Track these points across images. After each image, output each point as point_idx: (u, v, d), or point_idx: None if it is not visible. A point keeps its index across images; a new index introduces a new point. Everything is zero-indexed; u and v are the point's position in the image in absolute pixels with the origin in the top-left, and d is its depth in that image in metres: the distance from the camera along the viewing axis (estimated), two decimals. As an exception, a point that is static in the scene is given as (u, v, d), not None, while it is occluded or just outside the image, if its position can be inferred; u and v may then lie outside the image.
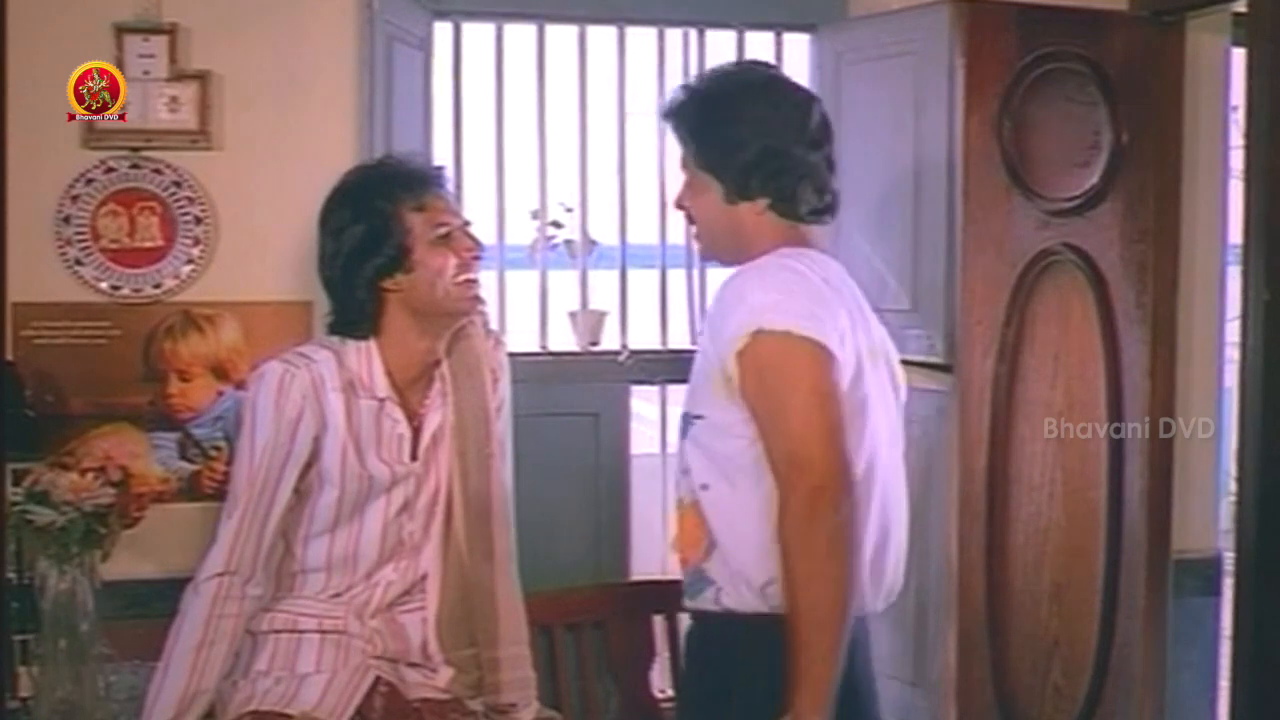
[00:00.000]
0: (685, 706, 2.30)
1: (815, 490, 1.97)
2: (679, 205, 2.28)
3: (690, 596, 2.18)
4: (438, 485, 2.38)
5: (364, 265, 2.29)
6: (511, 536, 2.50)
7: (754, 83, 2.21)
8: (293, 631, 2.36)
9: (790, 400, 2.01)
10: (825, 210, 2.19)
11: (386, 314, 2.32)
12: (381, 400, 2.32)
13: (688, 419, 2.17)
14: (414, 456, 2.35)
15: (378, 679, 2.35)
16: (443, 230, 2.32)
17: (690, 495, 2.15)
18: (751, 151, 2.13)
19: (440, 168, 2.46)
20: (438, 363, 2.38)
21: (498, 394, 2.47)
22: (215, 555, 2.26)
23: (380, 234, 2.29)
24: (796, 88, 2.27)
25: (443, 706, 2.38)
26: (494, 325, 3.64)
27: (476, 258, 2.36)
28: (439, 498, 2.39)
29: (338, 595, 2.38)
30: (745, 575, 2.09)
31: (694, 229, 2.29)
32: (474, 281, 2.35)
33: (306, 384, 2.29)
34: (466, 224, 2.39)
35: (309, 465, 2.31)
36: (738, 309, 2.06)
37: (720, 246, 2.24)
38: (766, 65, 2.45)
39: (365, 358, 2.32)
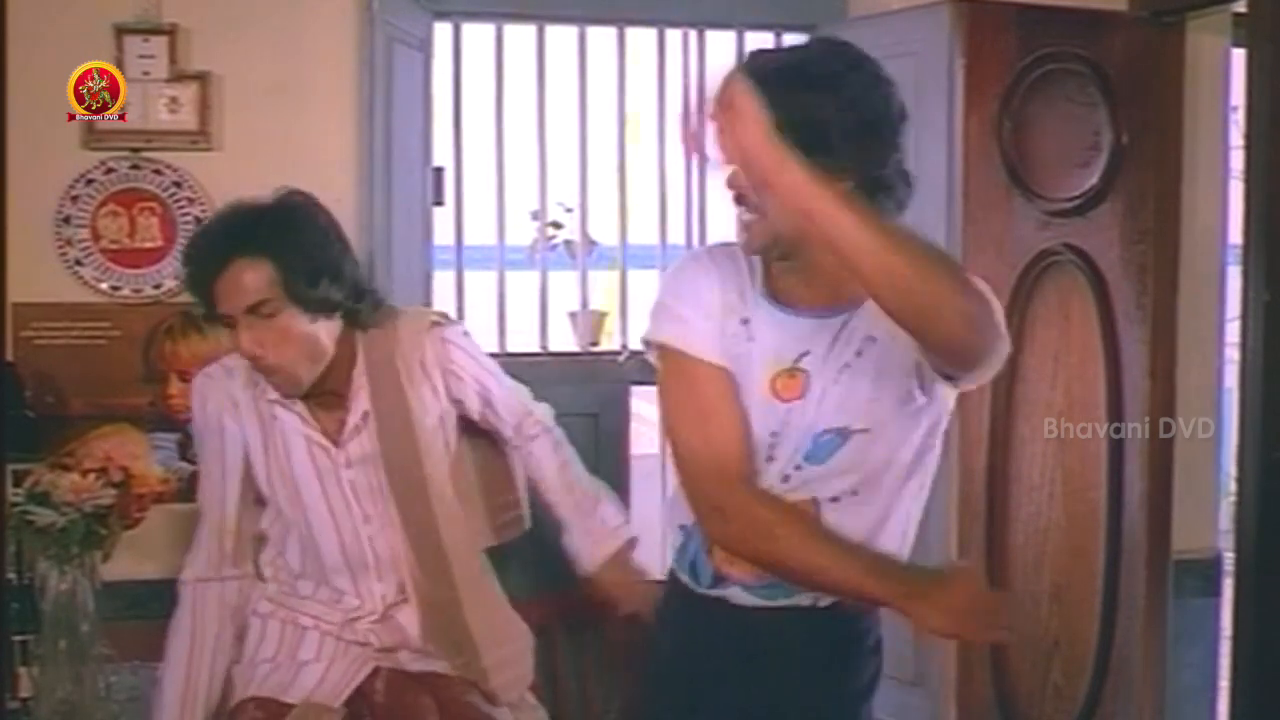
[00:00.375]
0: (766, 702, 2.03)
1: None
2: (733, 186, 1.89)
3: (766, 597, 1.99)
4: (380, 495, 2.37)
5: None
6: (476, 555, 2.48)
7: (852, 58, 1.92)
8: (295, 625, 2.43)
9: None
10: (900, 199, 1.96)
11: None
12: (272, 402, 2.35)
13: (844, 435, 1.90)
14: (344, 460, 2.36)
15: (377, 667, 2.40)
16: (224, 318, 2.28)
17: (790, 485, 1.94)
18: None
19: (236, 230, 2.30)
20: (341, 378, 2.36)
21: (440, 403, 2.39)
22: (191, 559, 2.40)
23: (204, 307, 2.31)
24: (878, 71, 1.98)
25: (449, 681, 2.42)
26: (493, 326, 3.68)
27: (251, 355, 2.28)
28: (386, 509, 2.38)
29: (326, 604, 2.43)
30: None
31: (749, 216, 1.89)
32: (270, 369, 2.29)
33: (222, 393, 2.37)
34: (258, 305, 2.24)
35: (252, 472, 2.40)
36: None
37: (785, 233, 1.86)
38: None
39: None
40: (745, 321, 1.94)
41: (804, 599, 1.99)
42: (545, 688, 3.35)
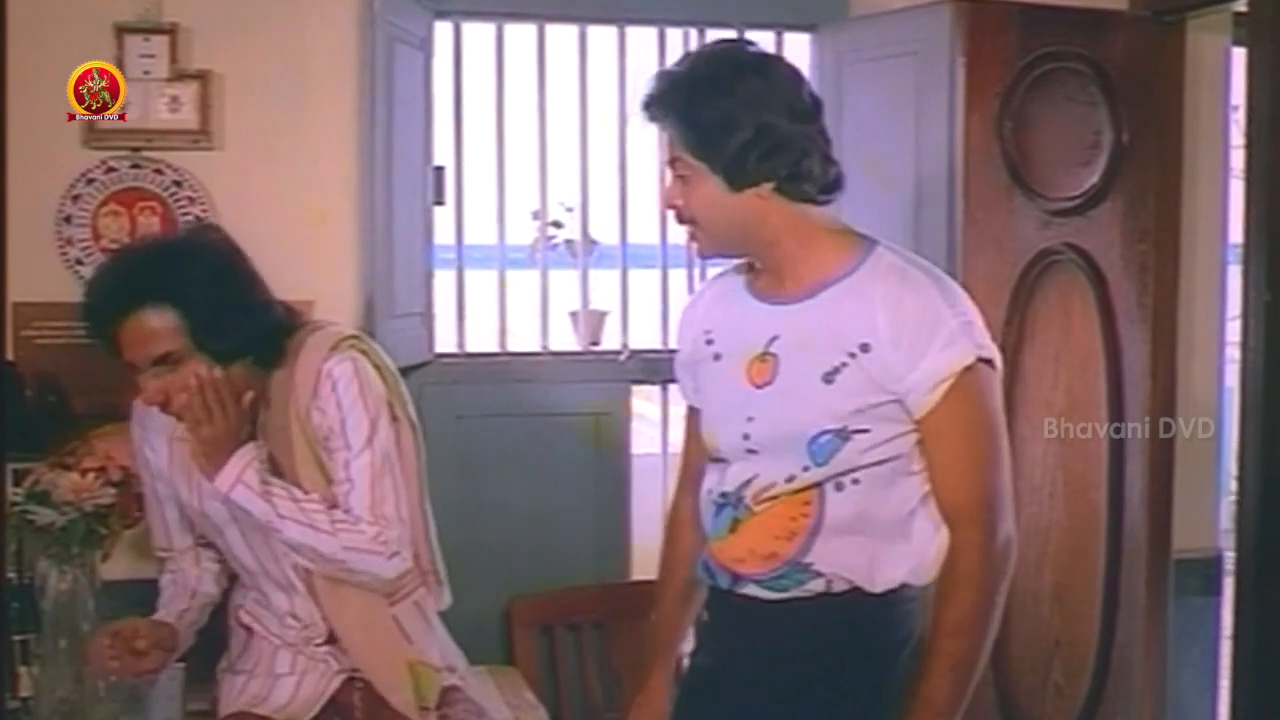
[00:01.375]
0: (790, 689, 2.10)
1: (1007, 541, 2.02)
2: (670, 204, 2.10)
3: (778, 589, 2.07)
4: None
5: None
6: (367, 599, 2.41)
7: (739, 60, 2.06)
8: (268, 639, 2.48)
9: (996, 443, 2.03)
10: (834, 185, 2.08)
11: None
12: (182, 439, 2.38)
13: (842, 435, 2.01)
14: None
15: (351, 677, 2.41)
16: (130, 365, 2.31)
17: (798, 484, 2.04)
18: (748, 130, 1.99)
19: (111, 289, 2.32)
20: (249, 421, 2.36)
21: (332, 451, 2.35)
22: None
23: (110, 352, 2.35)
24: (781, 61, 2.15)
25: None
26: (494, 325, 3.68)
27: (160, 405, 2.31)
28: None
29: (278, 619, 2.47)
30: (882, 563, 2.05)
31: (691, 228, 2.12)
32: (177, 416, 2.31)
33: (139, 426, 2.48)
34: (165, 355, 2.26)
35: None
36: (938, 327, 1.98)
37: (727, 241, 2.11)
38: (746, 42, 2.26)
39: None
40: (709, 341, 2.18)
41: (811, 589, 2.05)
42: (545, 688, 3.36)
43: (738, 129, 1.99)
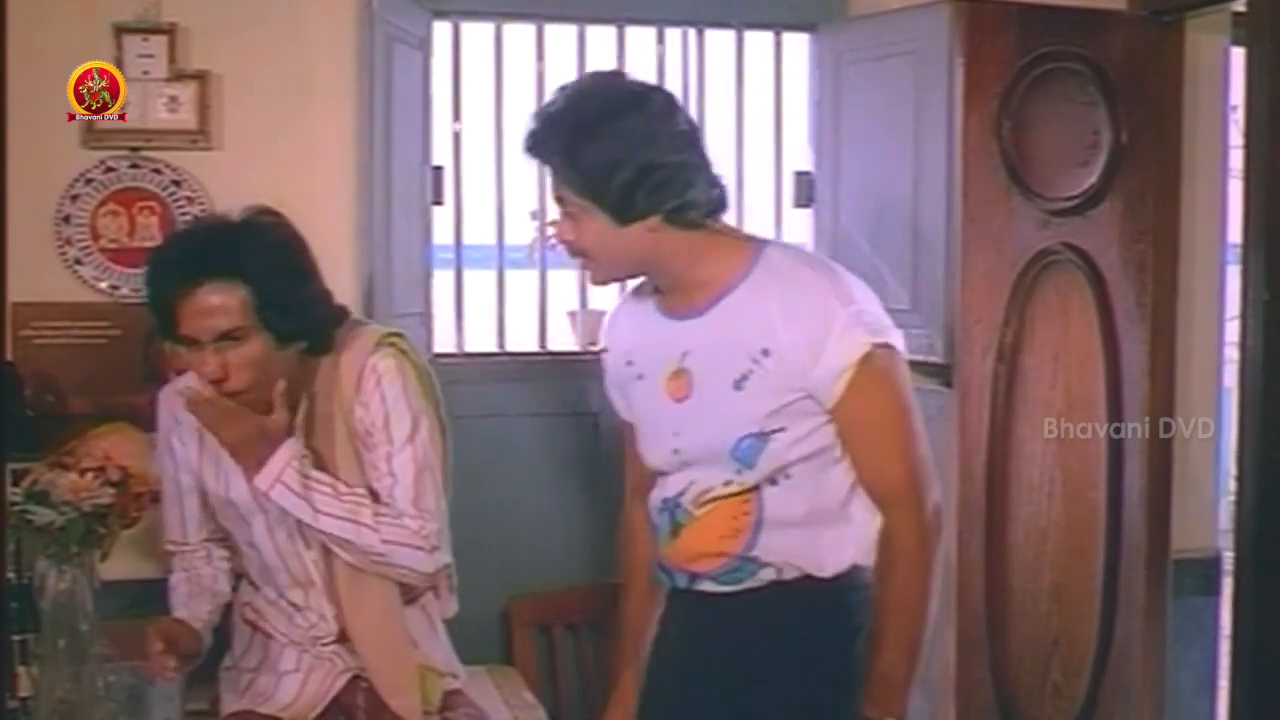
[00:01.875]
0: (751, 675, 2.16)
1: (936, 511, 2.08)
2: (560, 240, 2.12)
3: (732, 582, 2.14)
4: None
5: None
6: (390, 591, 2.42)
7: (616, 97, 2.07)
8: (270, 636, 2.49)
9: (909, 422, 2.09)
10: (719, 207, 2.11)
11: None
12: None
13: (762, 437, 2.06)
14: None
15: (356, 676, 2.41)
16: (186, 339, 2.27)
17: (735, 487, 2.11)
18: (631, 169, 2.00)
19: (213, 249, 2.28)
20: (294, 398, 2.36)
21: (373, 446, 2.37)
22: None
23: (160, 323, 2.31)
24: (656, 91, 2.15)
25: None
26: (492, 325, 3.68)
27: (216, 381, 2.27)
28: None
29: (286, 616, 2.47)
30: (827, 547, 2.11)
31: (581, 260, 2.14)
32: (232, 393, 2.27)
33: (168, 414, 2.47)
34: (229, 331, 2.24)
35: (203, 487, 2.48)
36: (830, 322, 2.02)
37: (621, 270, 2.17)
38: (616, 74, 2.31)
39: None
40: (630, 363, 2.22)
41: (763, 578, 2.12)
42: (544, 688, 3.37)
43: (620, 169, 2.00)
